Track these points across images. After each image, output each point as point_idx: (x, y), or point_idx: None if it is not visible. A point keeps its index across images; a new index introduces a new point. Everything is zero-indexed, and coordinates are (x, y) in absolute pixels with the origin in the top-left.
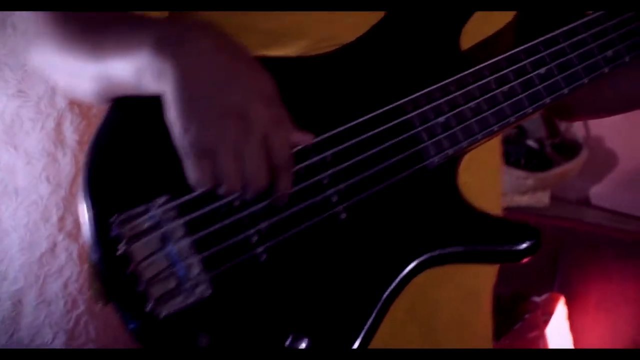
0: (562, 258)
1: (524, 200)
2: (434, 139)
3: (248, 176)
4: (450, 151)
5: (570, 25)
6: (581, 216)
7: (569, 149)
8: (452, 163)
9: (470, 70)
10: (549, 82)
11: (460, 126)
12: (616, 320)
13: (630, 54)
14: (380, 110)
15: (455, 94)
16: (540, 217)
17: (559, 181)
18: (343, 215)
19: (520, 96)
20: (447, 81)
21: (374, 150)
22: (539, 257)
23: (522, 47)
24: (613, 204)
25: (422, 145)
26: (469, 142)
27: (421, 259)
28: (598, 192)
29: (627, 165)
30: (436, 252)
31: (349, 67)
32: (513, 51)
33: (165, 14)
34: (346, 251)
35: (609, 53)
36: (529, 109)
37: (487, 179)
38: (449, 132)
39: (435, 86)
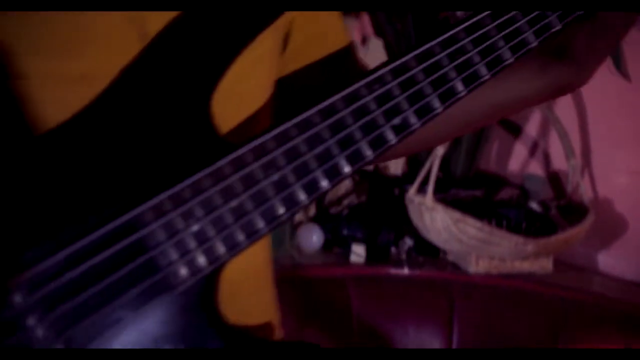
0: (562, 332)
1: (525, 266)
2: (184, 258)
3: None
4: (207, 269)
5: (376, 74)
6: (587, 285)
7: (575, 212)
8: (212, 274)
9: (230, 157)
10: (351, 149)
11: (221, 234)
12: None
13: (421, 120)
14: (105, 229)
15: (211, 191)
16: (541, 286)
17: (562, 246)
18: None
19: (295, 186)
20: (199, 175)
21: (102, 284)
22: (538, 330)
23: (317, 108)
24: (622, 272)
25: (168, 269)
26: (232, 254)
27: None
28: (606, 259)
29: (638, 230)
30: None
31: (54, 157)
32: (294, 120)
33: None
34: None
35: (396, 121)
36: (306, 200)
37: (257, 270)
38: (205, 245)
39: (183, 184)
